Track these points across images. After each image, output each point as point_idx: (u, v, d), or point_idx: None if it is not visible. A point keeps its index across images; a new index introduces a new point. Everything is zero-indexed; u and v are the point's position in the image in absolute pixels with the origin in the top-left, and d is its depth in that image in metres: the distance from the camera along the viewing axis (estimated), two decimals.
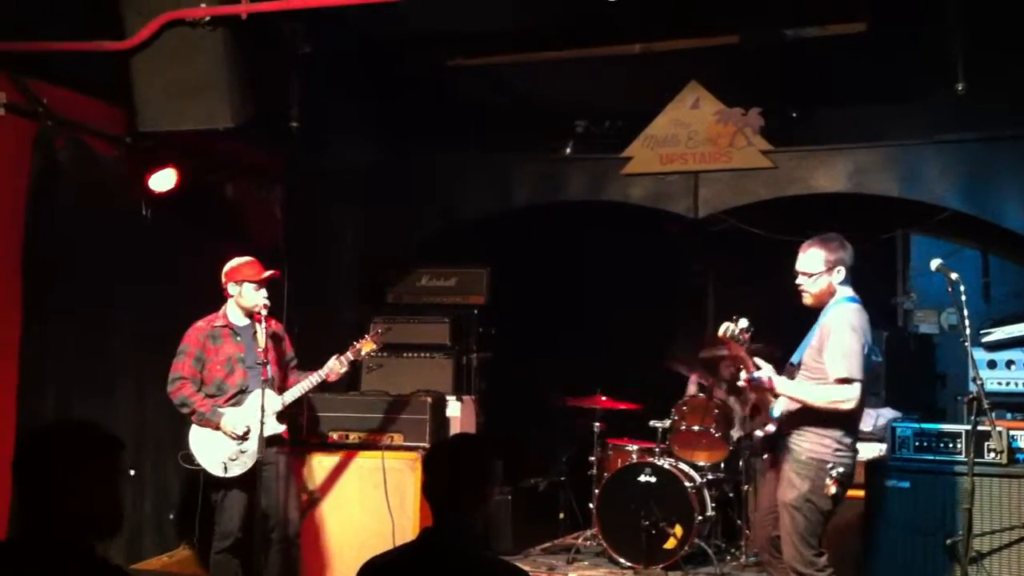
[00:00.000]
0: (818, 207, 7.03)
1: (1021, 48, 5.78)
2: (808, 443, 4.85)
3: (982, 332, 6.08)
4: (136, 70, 5.51)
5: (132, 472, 6.31)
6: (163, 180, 6.38)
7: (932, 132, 6.71)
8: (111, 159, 6.12)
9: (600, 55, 6.89)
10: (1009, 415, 5.79)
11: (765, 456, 5.28)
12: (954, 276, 4.76)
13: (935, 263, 4.85)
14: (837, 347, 4.75)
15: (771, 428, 5.06)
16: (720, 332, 5.03)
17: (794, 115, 7.33)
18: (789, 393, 4.94)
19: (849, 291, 4.97)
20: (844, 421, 4.81)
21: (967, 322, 4.70)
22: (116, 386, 6.32)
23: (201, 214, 6.76)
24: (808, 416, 4.85)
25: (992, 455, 5.24)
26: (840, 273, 4.94)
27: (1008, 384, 5.96)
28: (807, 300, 5.05)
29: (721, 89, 7.11)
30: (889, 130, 6.88)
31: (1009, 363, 6.03)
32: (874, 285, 7.25)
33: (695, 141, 7.14)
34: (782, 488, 4.93)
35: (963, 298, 4.68)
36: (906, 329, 8.05)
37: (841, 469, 4.79)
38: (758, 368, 4.98)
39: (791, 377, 5.01)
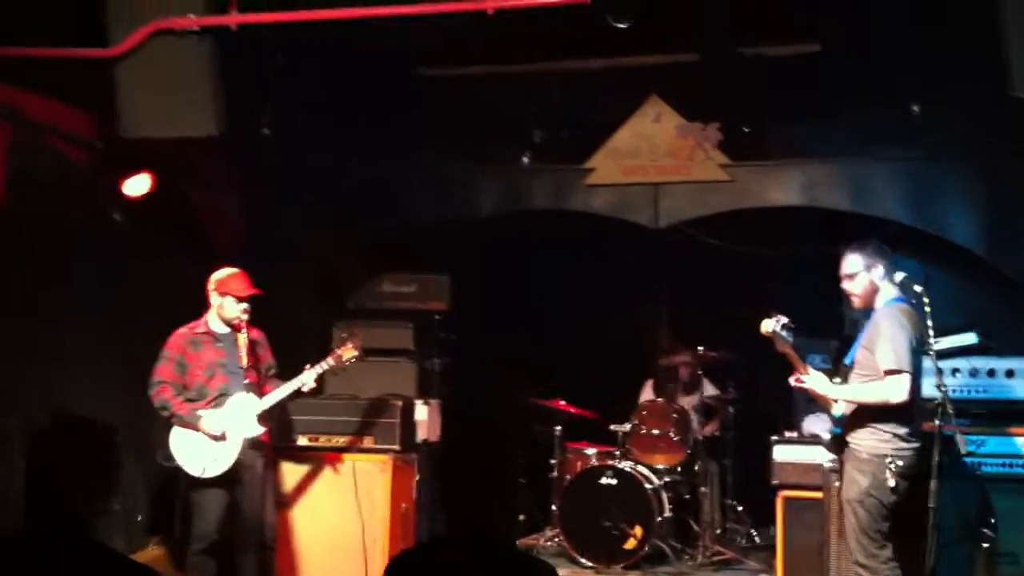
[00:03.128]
0: (774, 220, 7.32)
1: (965, 70, 6.08)
2: (867, 440, 5.08)
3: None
4: (120, 77, 5.55)
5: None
6: (137, 185, 6.42)
7: (884, 149, 7.02)
8: (83, 164, 6.15)
9: (564, 69, 7.08)
10: (954, 420, 6.11)
11: (834, 458, 5.45)
12: (918, 288, 5.05)
13: (899, 276, 5.15)
14: (885, 341, 5.02)
15: (821, 429, 5.25)
16: (763, 329, 5.18)
17: (746, 130, 7.58)
18: (839, 396, 5.22)
19: (896, 292, 5.23)
20: (898, 414, 5.03)
21: (931, 332, 4.98)
22: (85, 389, 6.30)
23: (166, 221, 6.80)
24: (863, 414, 5.10)
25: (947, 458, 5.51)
26: (878, 271, 5.22)
27: (953, 391, 6.27)
28: (855, 303, 5.36)
29: (681, 104, 7.35)
30: (843, 147, 7.17)
31: (954, 371, 6.36)
32: (823, 295, 7.58)
33: (656, 154, 7.38)
34: (845, 486, 5.16)
35: (927, 309, 4.97)
36: (852, 338, 8.35)
37: (900, 463, 4.99)
38: (807, 373, 5.25)
39: (845, 378, 5.25)
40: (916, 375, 5.06)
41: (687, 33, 6.65)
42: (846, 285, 5.33)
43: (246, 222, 7.72)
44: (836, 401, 5.28)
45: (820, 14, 6.27)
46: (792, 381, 5.33)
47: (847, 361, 5.33)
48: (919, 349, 5.09)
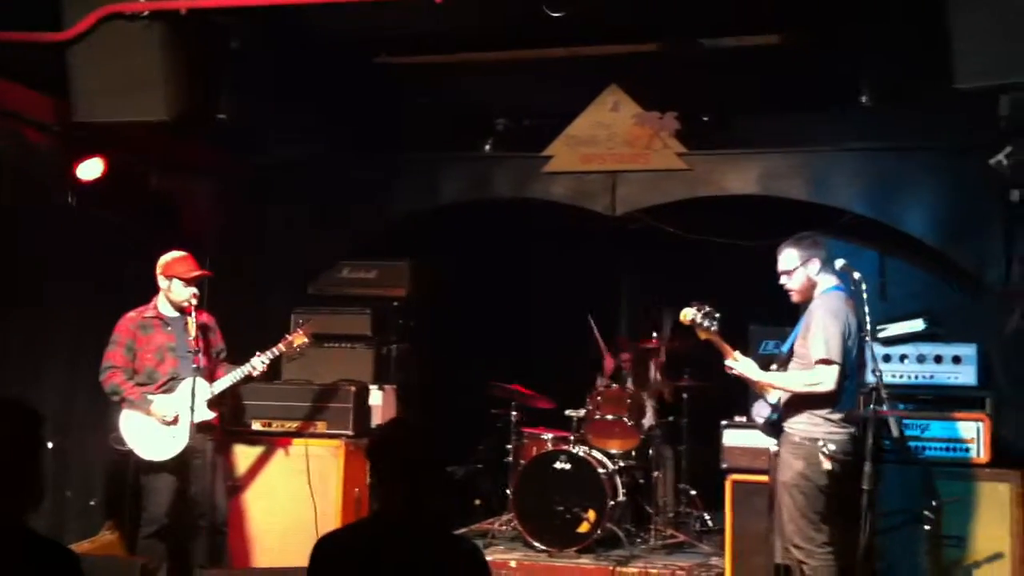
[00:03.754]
0: (732, 209, 7.38)
1: (922, 65, 6.14)
2: (800, 424, 5.16)
3: (878, 328, 6.47)
4: (73, 61, 5.56)
5: (50, 445, 6.31)
6: (90, 169, 6.40)
7: (840, 141, 7.07)
8: (44, 149, 6.14)
9: (525, 58, 7.10)
10: (901, 405, 6.20)
11: (777, 445, 5.47)
12: (856, 275, 5.13)
13: (839, 263, 5.22)
14: (817, 331, 5.10)
15: (765, 414, 5.32)
16: (683, 318, 5.23)
17: (705, 119, 7.64)
18: (768, 382, 5.29)
19: (833, 281, 5.29)
20: (831, 399, 5.11)
21: (868, 318, 5.06)
22: (42, 375, 6.32)
23: (131, 206, 6.78)
24: (798, 399, 5.18)
25: (887, 442, 5.61)
26: (815, 265, 5.27)
27: (901, 376, 6.41)
28: (793, 298, 5.39)
29: (640, 93, 7.39)
30: (799, 137, 7.22)
31: (902, 357, 6.48)
32: (779, 284, 7.64)
33: (614, 142, 7.40)
34: (781, 470, 5.24)
35: (864, 295, 5.04)
36: None
37: (833, 446, 5.06)
38: (735, 359, 5.29)
39: (785, 366, 5.31)
40: (853, 363, 5.12)
41: (647, 23, 6.68)
42: (783, 281, 5.39)
43: (211, 209, 7.73)
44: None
45: (780, 6, 6.31)
46: (727, 369, 5.38)
47: (783, 349, 5.41)
48: (856, 337, 5.15)
